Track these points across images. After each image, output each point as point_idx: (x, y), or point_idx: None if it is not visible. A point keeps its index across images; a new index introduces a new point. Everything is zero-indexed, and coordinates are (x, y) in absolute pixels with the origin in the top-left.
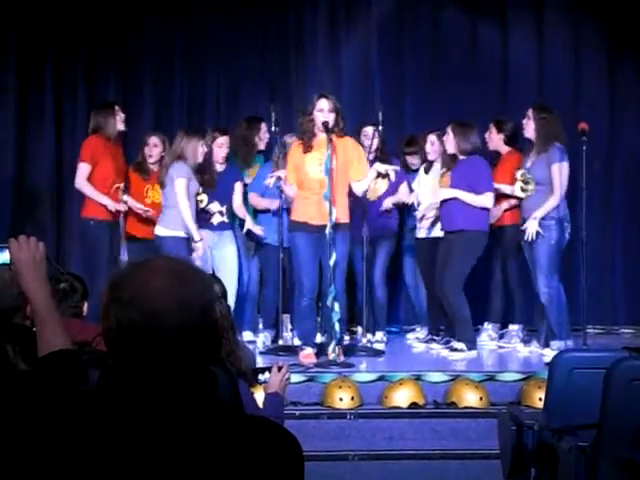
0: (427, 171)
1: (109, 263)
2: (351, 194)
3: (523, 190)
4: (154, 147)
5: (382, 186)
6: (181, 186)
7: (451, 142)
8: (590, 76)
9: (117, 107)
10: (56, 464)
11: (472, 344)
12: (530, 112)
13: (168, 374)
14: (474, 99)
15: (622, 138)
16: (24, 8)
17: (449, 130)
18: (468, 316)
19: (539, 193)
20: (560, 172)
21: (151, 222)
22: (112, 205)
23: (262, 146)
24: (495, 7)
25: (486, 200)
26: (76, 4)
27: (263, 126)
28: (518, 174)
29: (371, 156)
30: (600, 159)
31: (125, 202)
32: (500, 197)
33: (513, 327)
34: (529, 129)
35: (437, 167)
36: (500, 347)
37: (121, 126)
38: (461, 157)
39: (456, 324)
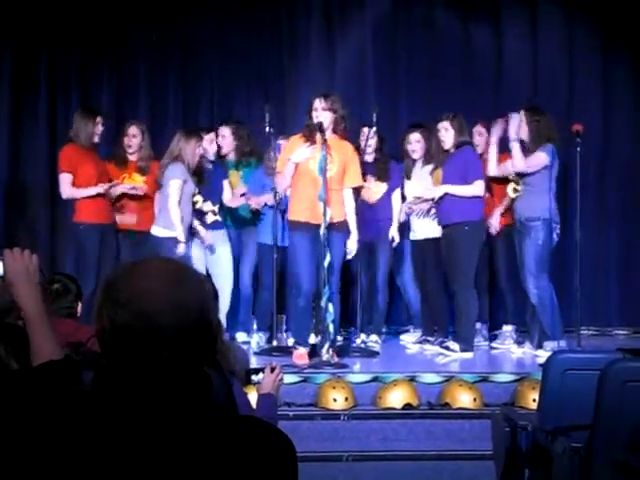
0: (409, 176)
1: (98, 266)
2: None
3: (516, 191)
4: (133, 137)
5: (380, 189)
6: (174, 187)
7: (451, 136)
8: (584, 76)
9: (99, 118)
10: (49, 464)
11: (469, 345)
12: (522, 115)
13: (162, 375)
14: (469, 99)
15: (616, 139)
16: (19, 10)
17: (448, 125)
18: (474, 317)
19: (529, 194)
20: (538, 160)
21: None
22: (104, 188)
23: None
24: (489, 7)
25: (476, 189)
26: (71, 6)
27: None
28: (511, 175)
29: (369, 157)
30: (594, 159)
31: (114, 197)
32: (492, 202)
33: (507, 328)
34: (522, 131)
35: (419, 169)
36: (493, 348)
37: (96, 138)
38: (452, 150)
39: (459, 321)
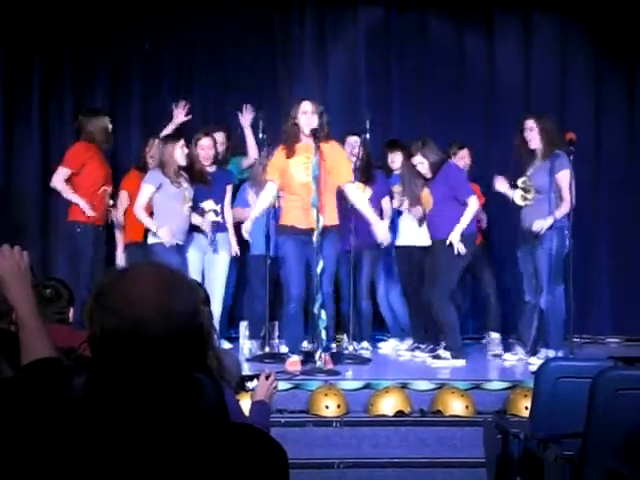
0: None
1: (93, 267)
2: (340, 199)
3: (524, 198)
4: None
5: (366, 195)
6: (143, 190)
7: (426, 167)
8: (577, 84)
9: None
10: (40, 471)
11: (459, 353)
12: (533, 122)
13: (153, 381)
14: (462, 106)
15: (609, 146)
16: (11, 15)
17: (421, 158)
18: (455, 325)
19: (538, 202)
20: (568, 179)
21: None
22: (86, 207)
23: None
24: (482, 16)
25: (473, 206)
26: (64, 12)
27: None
28: (519, 181)
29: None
30: (587, 167)
31: (111, 206)
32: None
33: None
34: (534, 140)
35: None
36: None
37: (110, 138)
38: (430, 175)
39: (444, 333)
